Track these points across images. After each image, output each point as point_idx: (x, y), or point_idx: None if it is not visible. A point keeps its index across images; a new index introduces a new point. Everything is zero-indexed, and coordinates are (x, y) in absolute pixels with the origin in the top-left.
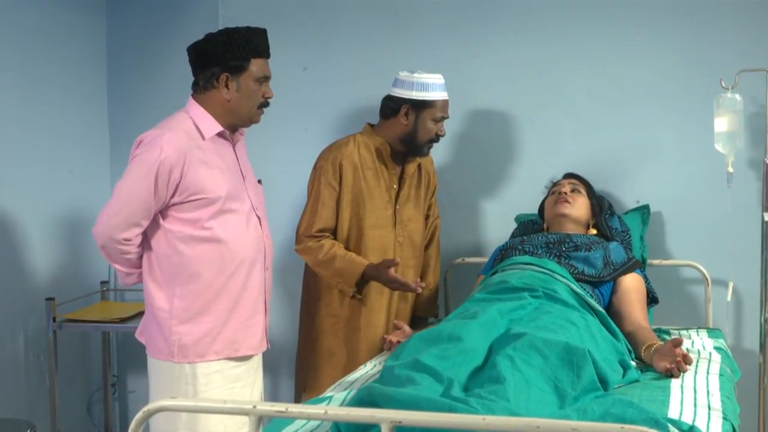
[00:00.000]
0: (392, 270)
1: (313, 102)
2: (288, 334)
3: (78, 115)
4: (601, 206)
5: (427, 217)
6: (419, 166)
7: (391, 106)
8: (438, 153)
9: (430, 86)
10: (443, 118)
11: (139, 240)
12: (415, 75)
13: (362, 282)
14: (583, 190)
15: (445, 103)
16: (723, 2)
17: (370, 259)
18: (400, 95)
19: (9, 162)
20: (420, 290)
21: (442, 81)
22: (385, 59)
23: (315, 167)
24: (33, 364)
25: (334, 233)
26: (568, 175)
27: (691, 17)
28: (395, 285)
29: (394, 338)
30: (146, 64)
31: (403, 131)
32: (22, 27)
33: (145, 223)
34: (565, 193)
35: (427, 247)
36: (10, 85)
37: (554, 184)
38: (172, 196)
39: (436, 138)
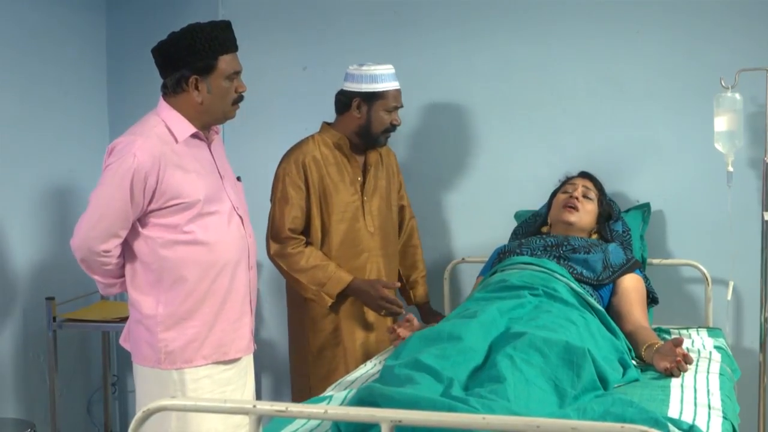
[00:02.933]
0: (386, 291)
1: (313, 101)
2: (281, 335)
3: (78, 114)
4: (610, 215)
5: (401, 221)
6: (381, 159)
7: (343, 100)
8: (437, 151)
9: (379, 77)
10: (396, 108)
11: (118, 251)
12: (364, 68)
13: (342, 295)
14: (594, 196)
15: (397, 92)
16: (723, 1)
17: (340, 252)
18: (350, 89)
19: (9, 161)
20: (402, 311)
21: (392, 71)
22: (385, 58)
23: (277, 171)
24: (33, 363)
25: (305, 231)
26: (584, 175)
27: (691, 16)
28: (383, 303)
29: (402, 332)
30: (146, 63)
31: (357, 124)
32: (22, 26)
33: (124, 233)
34: (576, 198)
35: (409, 239)
36: (10, 84)
37: (568, 180)
38: (149, 203)
39: (392, 128)
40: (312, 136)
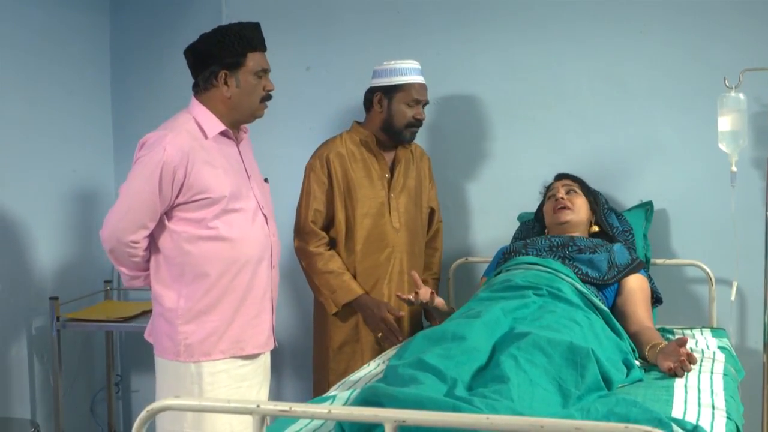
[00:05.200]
0: (389, 314)
1: (316, 101)
2: (293, 334)
3: (81, 114)
4: (597, 201)
5: (429, 222)
6: (413, 158)
7: (368, 97)
8: (440, 151)
9: (400, 71)
10: (418, 102)
11: (146, 243)
12: (385, 63)
13: (347, 305)
14: (578, 189)
15: (420, 86)
16: (727, 1)
17: (364, 247)
18: (374, 85)
19: (13, 162)
20: (399, 341)
21: (416, 65)
22: (388, 58)
23: (305, 167)
24: (37, 363)
25: (330, 226)
26: (560, 176)
27: (695, 16)
28: (383, 326)
29: (417, 295)
30: (149, 63)
31: (380, 119)
32: (26, 27)
33: (152, 225)
34: (562, 198)
35: (432, 240)
36: (14, 85)
37: (548, 188)
38: (177, 196)
39: (415, 122)
40: (341, 134)
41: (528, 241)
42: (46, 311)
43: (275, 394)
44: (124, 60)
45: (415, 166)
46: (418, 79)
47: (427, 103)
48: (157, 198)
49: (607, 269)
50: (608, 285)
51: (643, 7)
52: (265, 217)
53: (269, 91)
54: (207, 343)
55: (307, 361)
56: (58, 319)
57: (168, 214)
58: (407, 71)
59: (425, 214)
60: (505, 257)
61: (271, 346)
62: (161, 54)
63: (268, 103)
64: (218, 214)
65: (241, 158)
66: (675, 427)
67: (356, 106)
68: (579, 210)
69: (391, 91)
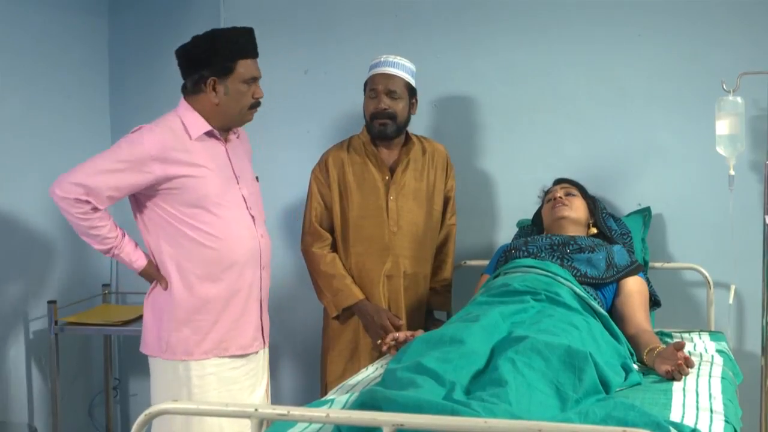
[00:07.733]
0: (388, 321)
1: (314, 104)
2: (288, 335)
3: (79, 118)
4: (596, 205)
5: (443, 219)
6: (428, 160)
7: None
8: None
9: (370, 68)
10: (376, 91)
11: (78, 208)
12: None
13: (348, 309)
14: (576, 192)
15: (382, 76)
16: (725, 5)
17: (359, 248)
18: None
19: (11, 165)
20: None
21: (387, 58)
22: None
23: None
24: (35, 367)
25: (330, 228)
26: (559, 181)
27: (692, 20)
28: (381, 333)
29: (401, 336)
30: (148, 66)
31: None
32: (24, 30)
33: (88, 191)
34: (560, 197)
35: (443, 245)
36: (12, 88)
37: (547, 192)
38: (149, 187)
39: (378, 112)
40: (351, 137)
41: (529, 239)
42: (44, 315)
43: (272, 397)
44: (123, 63)
45: (425, 165)
46: (380, 69)
47: (392, 92)
48: (113, 172)
49: (605, 268)
50: (606, 284)
51: (641, 11)
52: (252, 218)
53: (258, 98)
54: (189, 342)
55: (315, 362)
56: (56, 322)
57: (158, 212)
58: (374, 66)
59: (436, 217)
60: (505, 255)
61: (257, 348)
62: (159, 57)
63: (257, 109)
64: (202, 215)
65: (229, 159)
66: (673, 430)
67: (354, 109)
68: (577, 210)
69: (364, 88)
